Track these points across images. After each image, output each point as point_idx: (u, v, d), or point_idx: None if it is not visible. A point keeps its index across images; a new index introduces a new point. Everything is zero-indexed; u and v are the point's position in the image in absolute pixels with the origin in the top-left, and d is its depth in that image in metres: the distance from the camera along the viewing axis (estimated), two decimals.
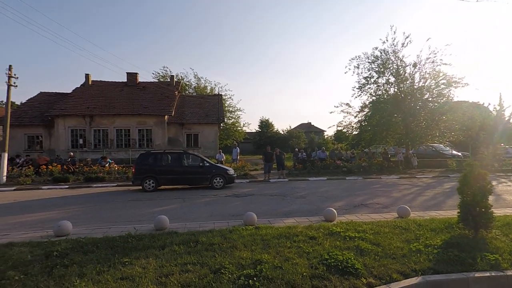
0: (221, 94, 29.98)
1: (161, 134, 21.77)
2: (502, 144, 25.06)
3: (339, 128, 23.50)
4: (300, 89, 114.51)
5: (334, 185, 12.46)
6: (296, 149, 21.08)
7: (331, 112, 40.00)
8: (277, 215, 6.79)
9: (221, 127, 28.09)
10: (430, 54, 18.58)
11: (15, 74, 14.64)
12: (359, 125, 21.64)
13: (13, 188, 12.25)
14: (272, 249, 3.96)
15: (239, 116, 34.08)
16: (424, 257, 3.57)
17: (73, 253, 3.96)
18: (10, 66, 14.46)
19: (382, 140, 21.63)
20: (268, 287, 2.91)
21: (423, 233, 4.45)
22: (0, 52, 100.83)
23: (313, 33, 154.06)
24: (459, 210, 4.57)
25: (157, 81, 29.77)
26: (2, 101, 47.58)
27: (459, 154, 22.49)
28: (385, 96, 20.40)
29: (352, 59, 20.58)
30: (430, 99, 19.20)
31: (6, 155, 14.05)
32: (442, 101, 18.80)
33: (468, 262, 3.41)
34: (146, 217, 6.70)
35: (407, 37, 18.86)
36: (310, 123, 58.77)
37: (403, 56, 19.26)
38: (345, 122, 21.74)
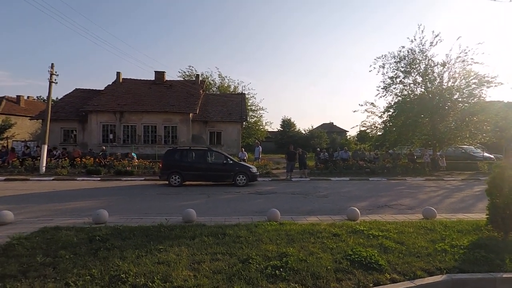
0: (244, 93, 30.33)
1: (186, 131, 22.47)
2: None
3: (363, 128, 23.08)
4: (323, 89, 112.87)
5: (356, 186, 12.34)
6: (318, 149, 20.96)
7: (354, 111, 38.92)
8: (300, 213, 6.92)
9: (244, 126, 28.44)
10: (460, 53, 17.83)
11: (56, 72, 15.76)
12: (383, 125, 21.14)
13: (52, 178, 13.24)
14: (296, 243, 4.12)
15: (262, 115, 34.32)
16: (450, 256, 3.58)
17: (113, 239, 4.34)
18: (52, 64, 15.62)
19: (408, 141, 21.01)
20: (294, 278, 3.07)
21: (449, 234, 4.42)
22: (42, 51, 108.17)
23: (339, 34, 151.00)
24: (488, 212, 4.48)
25: (183, 79, 30.65)
26: (40, 96, 51.15)
27: (491, 156, 21.34)
28: (412, 96, 19.79)
29: (378, 58, 20.14)
30: (460, 99, 18.41)
31: (46, 147, 15.18)
32: (473, 101, 17.94)
33: (496, 263, 3.39)
34: (175, 210, 7.07)
35: (436, 36, 18.21)
36: (332, 123, 57.90)
37: (431, 56, 18.58)
38: (369, 122, 21.33)
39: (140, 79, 26.36)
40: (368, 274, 3.17)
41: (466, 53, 17.56)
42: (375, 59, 20.43)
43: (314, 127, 50.79)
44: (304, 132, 47.48)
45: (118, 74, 25.62)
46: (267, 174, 15.36)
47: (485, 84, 17.53)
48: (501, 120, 19.96)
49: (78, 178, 13.27)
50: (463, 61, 17.74)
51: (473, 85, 17.81)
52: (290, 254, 3.62)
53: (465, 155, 21.83)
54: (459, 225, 4.89)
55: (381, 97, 20.96)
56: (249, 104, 32.21)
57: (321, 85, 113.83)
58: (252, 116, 33.27)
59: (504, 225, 4.03)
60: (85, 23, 54.96)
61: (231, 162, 12.22)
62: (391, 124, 20.53)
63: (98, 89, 25.18)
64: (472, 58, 17.50)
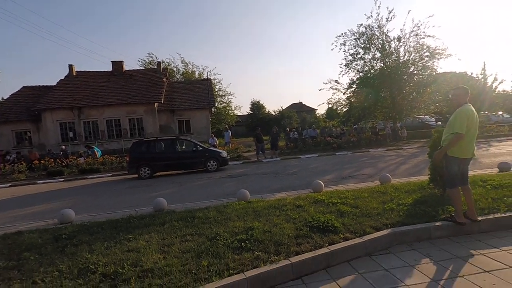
0: (210, 79, 29.80)
1: (152, 122, 21.84)
2: (486, 112, 25.87)
3: (329, 106, 23.87)
4: (291, 70, 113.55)
5: (324, 161, 12.96)
6: (288, 129, 21.46)
7: (320, 90, 40.34)
8: (270, 191, 7.21)
9: (212, 112, 28.15)
10: (413, 27, 18.78)
11: None
12: (348, 101, 22.02)
13: (8, 184, 12.43)
14: (262, 218, 4.37)
15: (230, 100, 34.08)
16: (396, 213, 4.03)
17: (81, 235, 4.31)
18: None
19: (371, 115, 22.15)
20: (258, 247, 3.31)
21: (398, 195, 4.92)
22: None
23: (304, 15, 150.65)
24: (429, 173, 5.04)
25: (143, 68, 29.32)
26: None
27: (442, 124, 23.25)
28: (372, 72, 20.69)
29: (338, 36, 20.66)
30: (415, 72, 19.58)
31: None
32: (426, 73, 19.18)
33: (432, 215, 3.88)
34: (146, 202, 7.04)
35: (390, 12, 18.95)
36: (301, 102, 58.96)
37: (387, 31, 19.42)
38: (334, 99, 22.09)
39: (97, 71, 24.84)
40: (324, 236, 3.50)
41: (419, 27, 18.57)
42: (336, 37, 20.97)
43: (283, 107, 51.49)
44: (274, 113, 48.03)
45: (71, 67, 23.91)
46: (238, 158, 15.58)
47: (436, 56, 18.77)
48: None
49: (39, 182, 12.58)
50: (416, 35, 18.77)
51: (426, 58, 18.99)
52: (255, 227, 3.86)
53: (422, 125, 23.57)
54: (407, 187, 5.44)
55: (344, 74, 21.72)
56: (216, 89, 31.78)
57: (289, 66, 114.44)
58: (221, 102, 32.97)
59: (442, 182, 4.57)
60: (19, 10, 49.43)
61: (201, 148, 12.23)
62: (354, 99, 21.45)
63: (49, 85, 23.35)
64: (424, 32, 18.57)
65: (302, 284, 2.89)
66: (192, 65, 34.70)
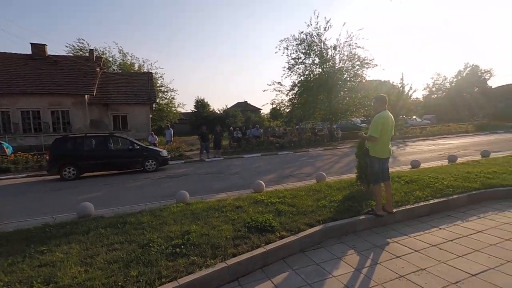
0: (151, 72, 28.01)
1: (82, 116, 19.60)
2: (404, 116, 29.76)
3: (273, 106, 24.70)
4: (235, 68, 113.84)
5: (267, 161, 13.30)
6: (231, 128, 21.45)
7: (264, 91, 42.04)
8: (211, 192, 7.07)
9: (154, 108, 26.54)
10: (347, 38, 20.58)
11: None
12: (290, 103, 23.04)
13: None
14: (201, 220, 4.24)
15: (173, 97, 32.57)
16: (327, 210, 4.32)
17: None
18: None
19: (311, 117, 23.55)
20: (194, 252, 3.19)
21: (331, 192, 5.29)
22: None
23: (249, 13, 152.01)
24: (356, 171, 5.55)
25: (72, 55, 26.04)
26: None
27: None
28: (312, 76, 22.00)
29: (282, 40, 21.53)
30: (348, 78, 21.43)
31: None
32: (357, 80, 21.20)
33: (357, 209, 4.28)
34: (69, 207, 6.24)
35: (327, 22, 20.41)
36: (246, 101, 59.64)
37: (325, 39, 20.86)
38: (278, 100, 22.90)
39: (10, 53, 21.19)
40: (262, 236, 3.55)
41: (351, 38, 20.42)
42: (279, 41, 21.79)
43: (228, 106, 51.41)
44: (218, 112, 47.64)
45: None
46: (180, 157, 15.00)
47: (365, 65, 20.88)
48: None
49: None
50: (349, 45, 20.60)
51: (357, 66, 20.97)
52: (193, 231, 3.72)
53: (353, 126, 26.04)
54: (339, 184, 5.89)
55: (286, 77, 22.68)
56: (158, 84, 30.07)
57: (235, 65, 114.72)
58: (163, 98, 31.31)
59: (367, 180, 5.08)
60: None
61: (138, 147, 11.40)
62: (296, 101, 22.56)
63: None
64: (356, 43, 20.49)
65: (238, 286, 2.87)
66: (131, 56, 32.19)
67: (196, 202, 5.32)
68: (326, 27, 20.49)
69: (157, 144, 16.07)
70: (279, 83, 22.26)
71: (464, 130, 24.38)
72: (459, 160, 8.64)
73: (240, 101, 59.74)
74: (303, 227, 3.75)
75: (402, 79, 27.56)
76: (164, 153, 12.02)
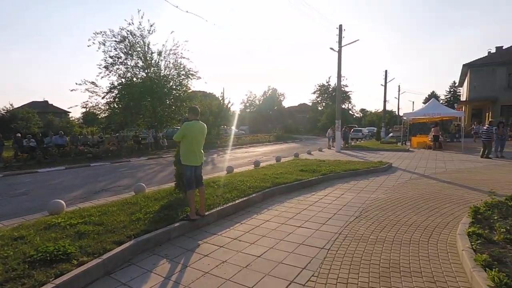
0: None
1: None
2: (225, 126, 33.92)
3: (84, 110, 20.95)
4: (31, 57, 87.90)
5: (73, 174, 11.02)
6: (19, 135, 16.19)
7: (72, 90, 34.56)
8: None
9: None
10: (173, 46, 20.95)
11: None
12: (108, 107, 20.43)
13: None
14: None
15: None
16: (142, 223, 4.09)
17: None
18: None
19: (134, 123, 21.93)
20: None
21: (147, 203, 5.07)
22: None
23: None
24: (175, 179, 5.66)
25: None
26: None
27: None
28: (134, 79, 20.63)
29: (97, 33, 18.80)
30: (174, 86, 21.79)
31: None
32: (183, 89, 21.97)
33: (173, 217, 4.34)
34: None
35: (152, 25, 19.97)
36: (47, 101, 47.38)
37: (149, 43, 20.25)
38: (91, 103, 19.67)
39: None
40: (51, 268, 2.84)
41: (178, 47, 20.94)
42: (94, 33, 18.95)
43: (16, 106, 38.70)
44: (1, 113, 34.94)
45: None
46: None
47: (190, 76, 21.98)
48: (205, 106, 26.36)
49: None
50: (175, 53, 21.01)
51: (183, 76, 21.71)
52: None
53: None
54: (158, 194, 5.76)
55: (103, 76, 19.98)
56: None
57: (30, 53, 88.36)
58: None
59: (183, 187, 5.28)
60: None
61: None
62: (116, 106, 20.30)
63: None
64: (182, 53, 21.17)
65: None
66: None
67: None
68: (150, 30, 19.93)
69: None
70: (92, 83, 19.22)
71: (267, 140, 30.89)
72: (262, 164, 10.71)
73: (37, 99, 46.61)
74: (110, 246, 3.33)
75: (222, 93, 31.33)
76: None
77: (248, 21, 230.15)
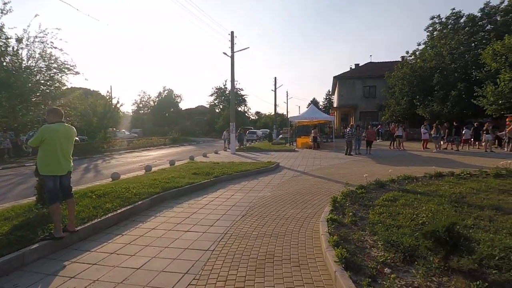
0: None
1: None
2: (114, 128, 30.10)
3: None
4: None
5: None
6: None
7: None
8: None
9: None
10: (40, 33, 17.21)
11: None
12: None
13: None
14: None
15: None
16: None
17: None
18: None
19: None
20: None
21: None
22: None
23: None
24: (36, 192, 4.68)
25: None
26: None
27: (77, 138, 23.75)
28: None
29: None
30: (42, 81, 17.98)
31: None
32: (55, 85, 18.36)
33: (29, 238, 3.57)
34: None
35: (6, 3, 15.97)
36: None
37: (2, 25, 16.09)
38: None
39: None
40: None
41: (46, 34, 17.30)
42: None
43: None
44: None
45: None
46: None
47: (65, 70, 18.52)
48: (81, 105, 22.64)
49: None
50: (43, 42, 17.32)
51: (54, 70, 18.10)
52: None
53: None
54: (10, 212, 4.61)
55: None
56: None
57: None
58: None
59: (44, 200, 4.41)
60: None
61: None
62: None
63: None
64: (52, 42, 17.59)
65: None
66: None
67: None
68: (3, 10, 15.83)
69: None
70: None
71: (162, 143, 29.17)
72: (154, 169, 10.06)
73: None
74: None
75: (110, 92, 27.81)
76: None
77: (141, 17, 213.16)
